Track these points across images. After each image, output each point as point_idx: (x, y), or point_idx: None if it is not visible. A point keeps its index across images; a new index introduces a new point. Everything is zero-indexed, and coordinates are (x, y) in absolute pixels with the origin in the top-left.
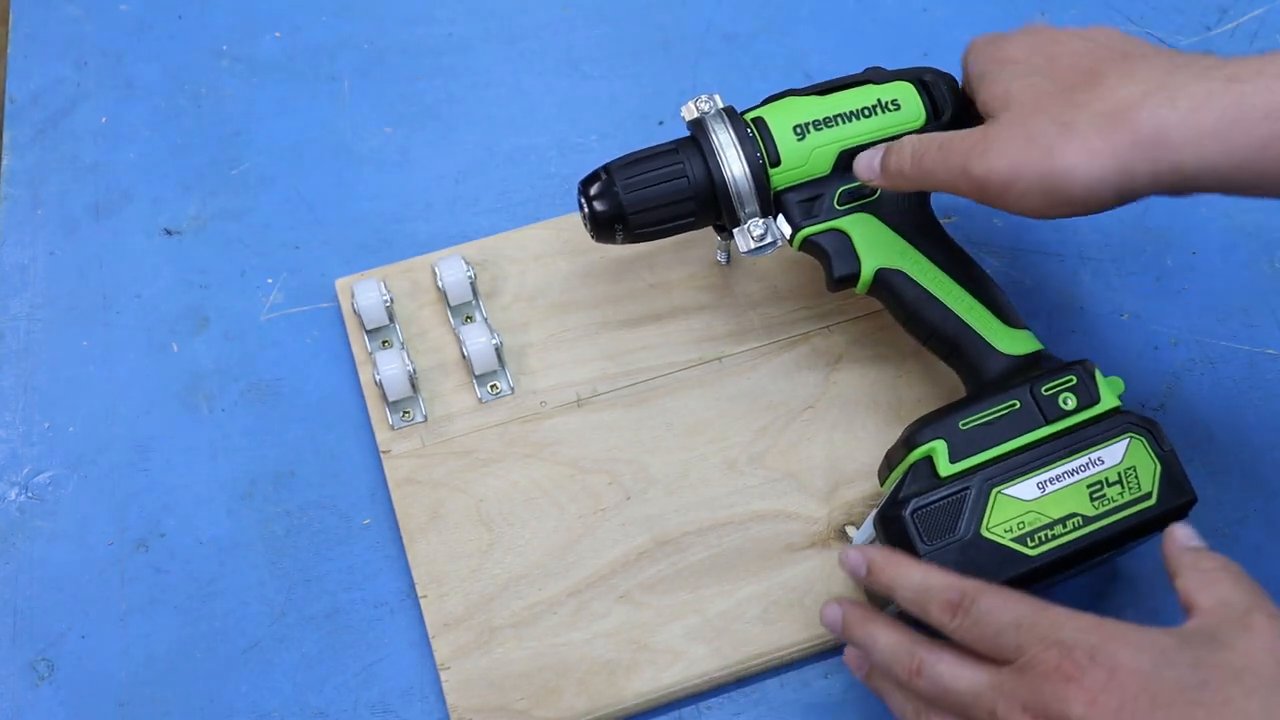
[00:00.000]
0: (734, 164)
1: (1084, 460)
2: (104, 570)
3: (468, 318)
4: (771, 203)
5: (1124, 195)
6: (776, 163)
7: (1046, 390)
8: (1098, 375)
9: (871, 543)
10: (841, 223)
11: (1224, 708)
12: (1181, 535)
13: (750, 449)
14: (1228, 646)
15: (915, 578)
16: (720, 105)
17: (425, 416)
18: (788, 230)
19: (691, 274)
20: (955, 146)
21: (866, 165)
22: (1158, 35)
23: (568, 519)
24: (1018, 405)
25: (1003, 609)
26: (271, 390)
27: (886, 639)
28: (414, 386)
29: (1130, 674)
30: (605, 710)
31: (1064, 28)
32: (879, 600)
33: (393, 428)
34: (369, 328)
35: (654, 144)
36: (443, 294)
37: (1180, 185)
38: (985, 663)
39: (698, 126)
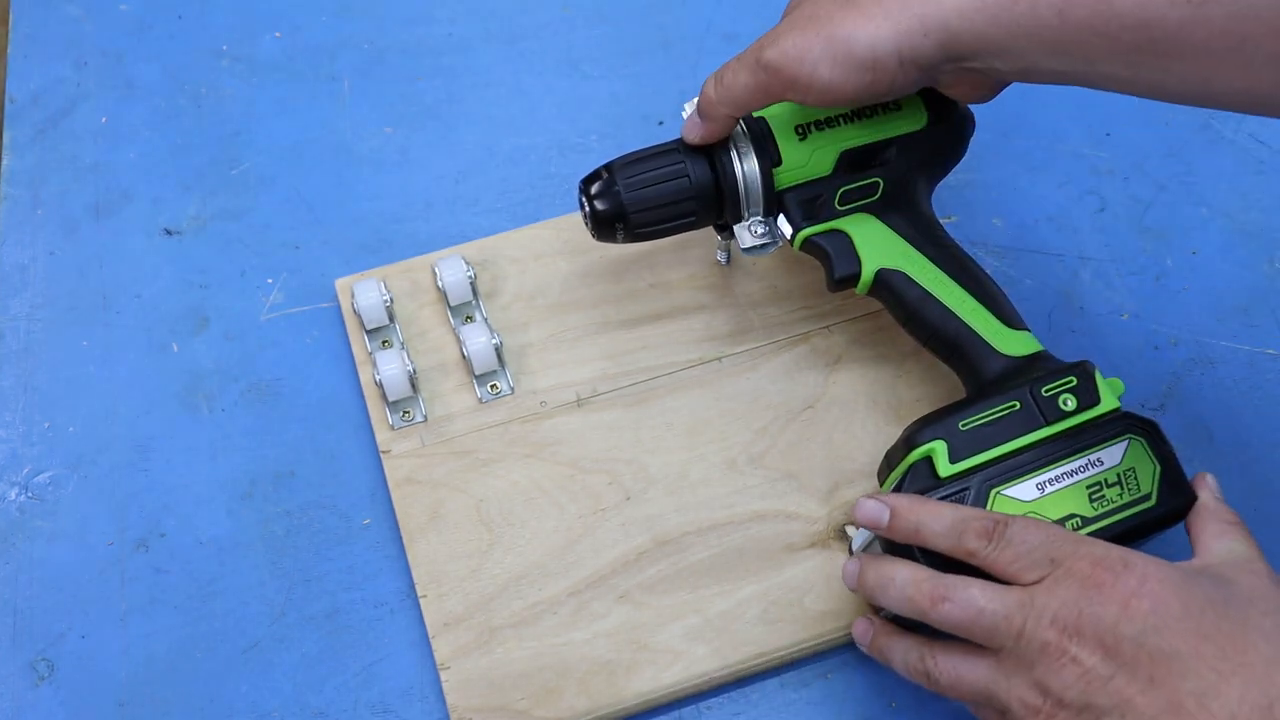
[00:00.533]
0: (745, 160)
1: (1083, 461)
2: (104, 570)
3: (468, 318)
4: (774, 202)
5: (908, 60)
6: (778, 163)
7: (1046, 391)
8: (1098, 376)
9: (872, 543)
10: (842, 223)
11: (1244, 623)
12: (1213, 483)
13: (750, 449)
14: (1235, 582)
15: (946, 513)
16: None
17: (425, 416)
18: (788, 230)
19: (691, 274)
20: (749, 49)
21: (691, 125)
22: None
23: (568, 519)
24: (1018, 406)
25: (1035, 529)
26: (271, 390)
27: (907, 572)
28: (414, 386)
29: (1161, 582)
30: (605, 710)
31: None
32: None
33: (393, 428)
34: (369, 328)
35: (655, 144)
36: (443, 294)
37: (963, 52)
38: (1014, 587)
39: None
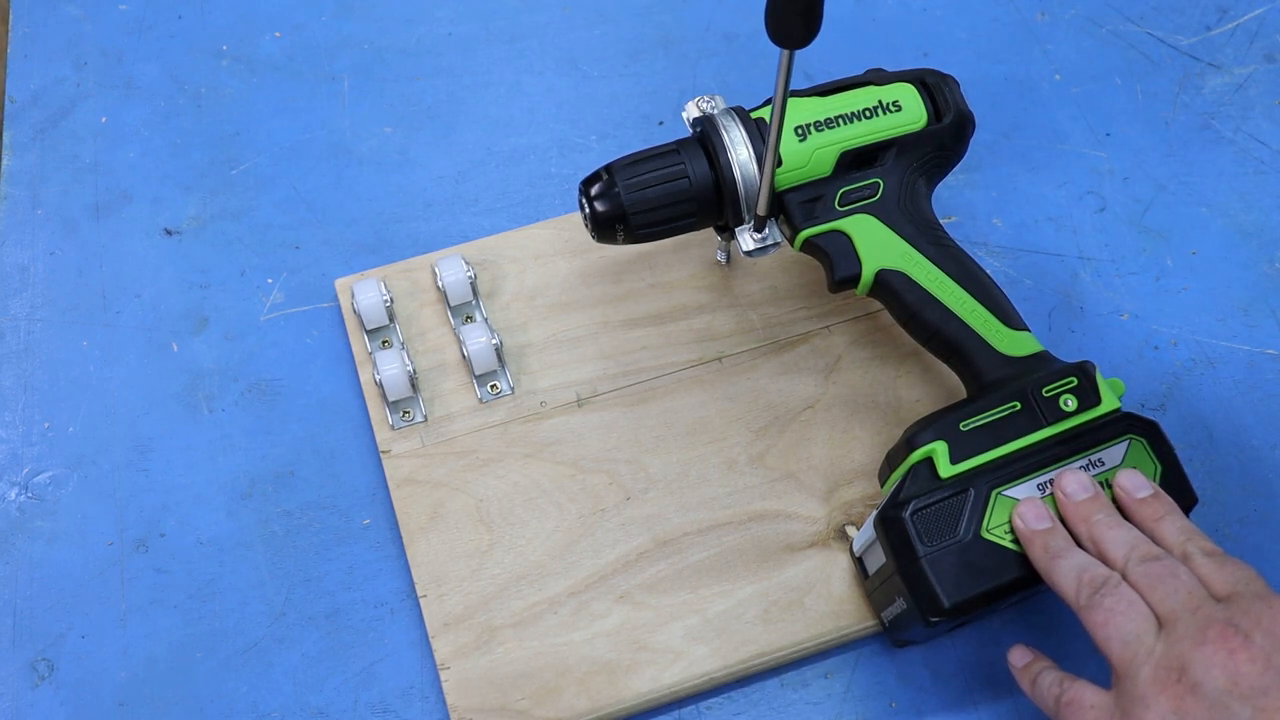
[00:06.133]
0: (746, 162)
1: (1084, 462)
2: (104, 570)
3: (468, 318)
4: (774, 203)
5: None
6: (778, 164)
7: (1047, 392)
8: (1098, 377)
9: (872, 544)
10: (842, 224)
11: None
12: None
13: (750, 449)
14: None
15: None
16: (723, 105)
17: (425, 416)
18: (789, 231)
19: (691, 274)
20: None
21: None
22: (1157, 35)
23: (568, 519)
24: (1018, 407)
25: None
26: (271, 390)
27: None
28: (414, 386)
29: None
30: (605, 710)
31: None
32: (880, 600)
33: (393, 428)
34: (369, 328)
35: (655, 144)
36: (443, 294)
37: None
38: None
39: (709, 124)
